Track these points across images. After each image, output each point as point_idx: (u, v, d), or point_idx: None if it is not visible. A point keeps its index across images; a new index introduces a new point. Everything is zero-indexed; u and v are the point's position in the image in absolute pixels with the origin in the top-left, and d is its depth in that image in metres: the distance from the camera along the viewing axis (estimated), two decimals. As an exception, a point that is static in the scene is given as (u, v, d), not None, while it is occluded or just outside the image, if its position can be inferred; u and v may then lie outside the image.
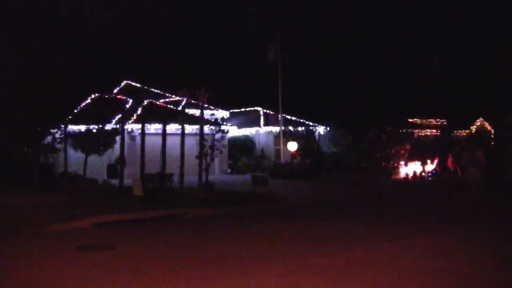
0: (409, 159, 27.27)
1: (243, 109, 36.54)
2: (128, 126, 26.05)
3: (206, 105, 24.18)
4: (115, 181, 20.42)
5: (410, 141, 33.60)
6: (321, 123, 34.93)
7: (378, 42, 52.03)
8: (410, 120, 39.13)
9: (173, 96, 32.83)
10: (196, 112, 26.18)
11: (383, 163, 26.96)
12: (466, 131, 42.53)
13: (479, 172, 13.74)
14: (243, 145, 32.65)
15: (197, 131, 20.26)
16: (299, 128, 33.65)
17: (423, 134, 38.03)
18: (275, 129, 32.61)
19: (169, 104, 30.39)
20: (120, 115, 21.75)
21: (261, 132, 33.80)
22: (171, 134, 20.33)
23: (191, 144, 19.85)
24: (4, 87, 18.98)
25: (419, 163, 26.61)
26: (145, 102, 28.14)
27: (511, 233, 10.52)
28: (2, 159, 20.25)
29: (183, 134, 19.61)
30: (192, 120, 24.36)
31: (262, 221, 12.99)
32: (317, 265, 7.65)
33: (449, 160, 28.20)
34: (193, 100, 28.74)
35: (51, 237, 10.66)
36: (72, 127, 23.31)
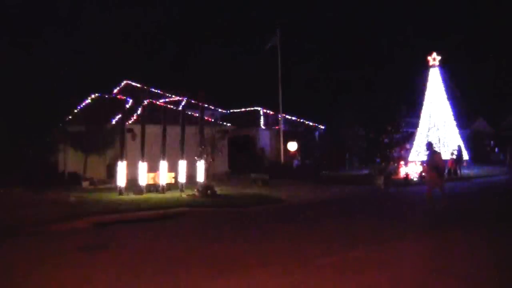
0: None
1: (243, 109, 36.53)
2: (128, 126, 26.02)
3: (206, 105, 24.19)
4: (115, 181, 20.40)
5: (410, 141, 33.61)
6: (321, 123, 34.92)
7: (378, 42, 52.03)
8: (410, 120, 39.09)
9: (173, 96, 32.83)
10: (196, 112, 26.16)
11: (383, 163, 26.93)
12: (466, 131, 42.50)
13: (438, 176, 13.83)
14: (243, 145, 32.63)
15: (197, 131, 20.25)
16: (299, 128, 33.63)
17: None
18: (275, 129, 32.61)
19: (169, 104, 30.37)
20: (120, 115, 21.73)
21: (261, 132, 33.78)
22: (171, 134, 20.31)
23: (191, 144, 19.85)
24: (4, 88, 18.98)
25: (419, 163, 26.57)
26: (145, 102, 28.11)
27: (509, 235, 10.53)
28: (2, 159, 20.26)
29: (183, 134, 19.61)
30: (192, 120, 24.35)
31: (262, 221, 12.99)
32: (317, 265, 7.65)
33: (450, 160, 28.21)
34: (193, 100, 28.75)
35: (51, 237, 10.66)
36: (72, 127, 23.29)
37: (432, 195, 13.73)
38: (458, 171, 27.37)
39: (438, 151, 14.65)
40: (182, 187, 18.74)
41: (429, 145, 14.62)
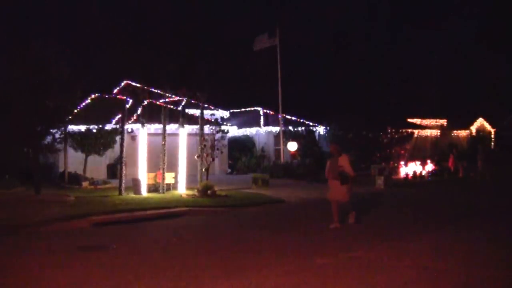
0: (409, 159, 27.31)
1: (243, 109, 36.53)
2: (128, 126, 26.04)
3: (206, 105, 24.18)
4: (115, 181, 20.41)
5: (410, 141, 33.63)
6: (321, 123, 34.92)
7: (377, 42, 52.08)
8: (410, 120, 39.15)
9: (173, 96, 32.80)
10: (196, 112, 26.16)
11: (383, 163, 26.94)
12: (466, 131, 42.55)
13: (343, 186, 10.65)
14: (243, 145, 32.63)
15: (197, 131, 20.26)
16: (299, 128, 33.64)
17: (423, 135, 38.03)
18: (275, 129, 32.62)
19: (169, 104, 30.33)
20: (120, 115, 21.72)
21: (261, 132, 33.78)
22: (171, 134, 20.30)
23: (191, 144, 19.85)
24: (4, 88, 18.96)
25: (419, 163, 26.59)
26: (145, 102, 28.13)
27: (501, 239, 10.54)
28: (2, 159, 20.25)
29: (183, 134, 19.61)
30: (192, 120, 24.35)
31: (262, 221, 12.99)
32: (317, 265, 7.65)
33: (450, 160, 28.25)
34: (193, 100, 28.69)
35: (51, 237, 10.66)
36: (72, 127, 23.29)
37: (340, 208, 11.04)
38: (460, 172, 27.34)
39: (344, 153, 11.04)
40: (182, 187, 18.74)
41: (333, 146, 11.46)
